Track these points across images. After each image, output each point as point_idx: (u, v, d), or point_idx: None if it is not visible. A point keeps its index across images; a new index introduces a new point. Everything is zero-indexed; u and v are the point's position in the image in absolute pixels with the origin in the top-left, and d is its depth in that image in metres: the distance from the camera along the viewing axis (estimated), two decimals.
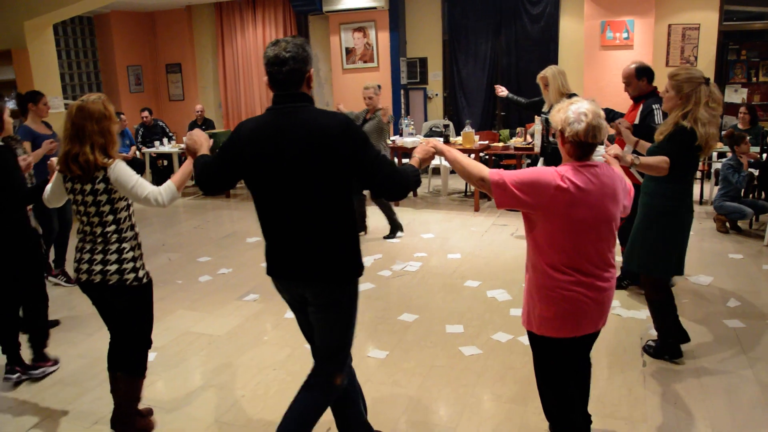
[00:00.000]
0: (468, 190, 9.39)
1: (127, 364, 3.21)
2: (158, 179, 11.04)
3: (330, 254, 2.54)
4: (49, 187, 3.28)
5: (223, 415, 3.50)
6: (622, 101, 7.06)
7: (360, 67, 10.86)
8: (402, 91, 10.81)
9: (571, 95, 5.48)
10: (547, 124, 5.94)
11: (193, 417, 3.50)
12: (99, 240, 3.05)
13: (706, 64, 9.31)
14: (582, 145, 2.54)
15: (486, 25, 10.48)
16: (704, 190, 8.25)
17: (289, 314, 4.85)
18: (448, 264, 6.01)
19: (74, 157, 2.95)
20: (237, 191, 10.05)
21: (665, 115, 4.27)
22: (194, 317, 4.94)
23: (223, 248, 6.89)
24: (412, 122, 9.25)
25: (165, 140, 10.53)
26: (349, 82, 10.97)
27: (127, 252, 3.09)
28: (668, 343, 3.89)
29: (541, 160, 6.25)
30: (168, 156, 10.75)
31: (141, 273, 3.13)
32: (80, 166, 2.95)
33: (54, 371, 4.09)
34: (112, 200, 3.03)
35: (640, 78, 4.69)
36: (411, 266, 5.95)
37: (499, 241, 6.65)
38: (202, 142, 2.85)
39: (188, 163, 3.07)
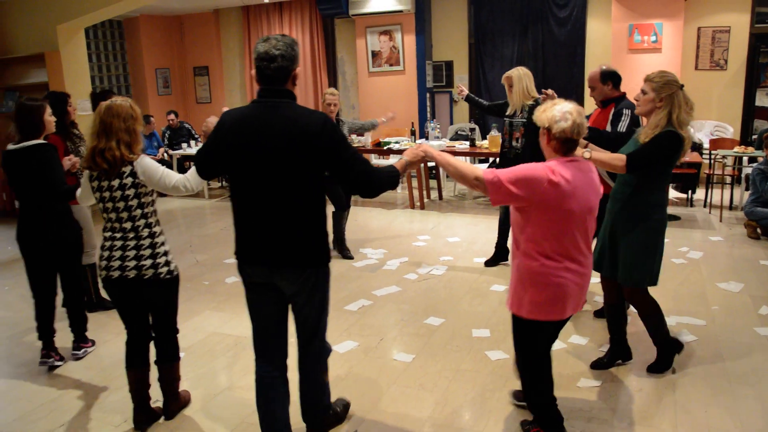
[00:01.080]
0: None
1: (165, 353, 3.43)
2: None
3: (305, 242, 2.73)
4: (80, 187, 3.45)
5: (250, 416, 3.52)
6: None
7: (386, 71, 10.87)
8: (428, 95, 10.80)
9: (535, 99, 5.48)
10: (510, 127, 5.74)
11: (220, 417, 3.53)
12: (130, 235, 3.17)
13: (736, 67, 9.17)
14: (568, 141, 2.75)
15: (512, 28, 10.43)
16: (734, 195, 8.13)
17: None
18: (474, 268, 5.99)
19: (101, 152, 3.09)
20: None
21: (634, 122, 4.22)
22: (221, 318, 4.98)
23: None
24: (438, 126, 9.24)
25: (192, 142, 10.63)
26: (375, 86, 10.99)
27: (159, 246, 3.24)
28: (671, 352, 3.83)
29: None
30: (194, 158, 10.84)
31: (172, 266, 3.30)
32: (106, 161, 3.08)
33: (92, 350, 4.43)
34: (139, 194, 3.16)
35: (604, 82, 4.56)
36: (437, 270, 5.94)
37: None
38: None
39: None
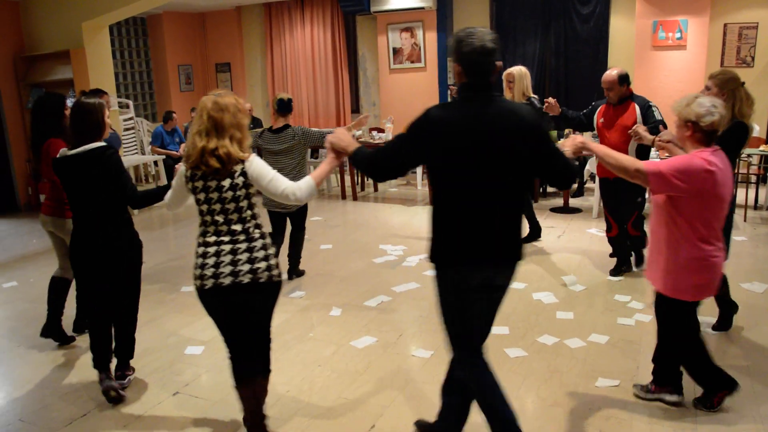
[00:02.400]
0: None
1: (265, 365, 3.16)
2: None
3: (520, 237, 2.76)
4: (170, 193, 3.19)
5: (269, 409, 3.53)
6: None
7: (407, 68, 10.87)
8: (449, 92, 10.78)
9: (529, 98, 6.07)
10: None
11: (239, 410, 3.54)
12: (241, 238, 2.90)
13: (764, 64, 9.03)
14: (713, 133, 3.01)
15: (534, 25, 10.36)
16: (759, 194, 8.01)
17: (335, 312, 4.89)
18: None
19: (212, 151, 2.81)
20: None
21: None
22: None
23: None
24: None
25: None
26: (396, 83, 10.99)
27: (270, 247, 2.98)
28: (731, 313, 4.31)
29: None
30: None
31: (279, 267, 3.04)
32: (219, 160, 2.81)
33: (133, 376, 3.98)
34: (249, 195, 2.92)
35: (621, 84, 5.05)
36: None
37: (545, 243, 6.57)
38: (350, 140, 2.89)
39: (330, 161, 2.99)
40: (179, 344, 4.46)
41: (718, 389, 3.30)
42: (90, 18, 8.49)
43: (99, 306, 3.72)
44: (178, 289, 5.58)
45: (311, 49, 11.90)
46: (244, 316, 3.00)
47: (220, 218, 2.89)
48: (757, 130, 8.95)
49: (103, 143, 3.54)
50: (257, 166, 2.90)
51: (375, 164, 2.75)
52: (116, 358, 3.85)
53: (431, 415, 3.41)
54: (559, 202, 8.43)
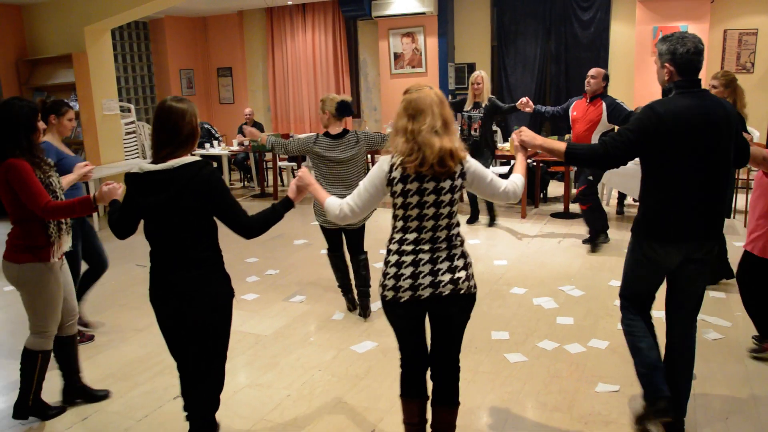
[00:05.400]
0: None
1: (453, 392, 2.90)
2: None
3: (724, 217, 3.08)
4: (362, 196, 2.71)
5: (269, 413, 3.56)
6: None
7: (408, 73, 10.89)
8: (449, 97, 10.80)
9: (490, 98, 7.09)
10: (469, 120, 7.14)
11: (239, 414, 3.57)
12: (443, 246, 2.65)
13: (764, 70, 9.05)
14: None
15: (535, 31, 10.39)
16: None
17: (337, 316, 4.90)
18: (494, 270, 5.98)
19: (450, 152, 2.56)
20: (281, 195, 10.15)
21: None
22: (241, 317, 5.02)
23: (270, 250, 6.99)
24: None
25: (214, 142, 10.71)
26: (397, 88, 10.99)
27: (468, 255, 2.76)
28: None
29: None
30: (217, 158, 10.91)
31: (475, 277, 2.79)
32: (453, 160, 2.58)
33: None
34: (457, 197, 2.69)
35: (604, 80, 6.14)
36: None
37: (545, 249, 6.59)
38: (542, 138, 3.10)
39: (524, 157, 3.02)
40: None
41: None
42: (92, 22, 8.53)
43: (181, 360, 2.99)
44: None
45: (312, 53, 11.93)
46: (437, 328, 2.78)
47: (428, 224, 2.63)
48: (757, 136, 8.96)
49: (197, 157, 2.74)
50: (475, 164, 2.69)
51: (605, 159, 2.94)
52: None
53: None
54: (559, 207, 8.43)
